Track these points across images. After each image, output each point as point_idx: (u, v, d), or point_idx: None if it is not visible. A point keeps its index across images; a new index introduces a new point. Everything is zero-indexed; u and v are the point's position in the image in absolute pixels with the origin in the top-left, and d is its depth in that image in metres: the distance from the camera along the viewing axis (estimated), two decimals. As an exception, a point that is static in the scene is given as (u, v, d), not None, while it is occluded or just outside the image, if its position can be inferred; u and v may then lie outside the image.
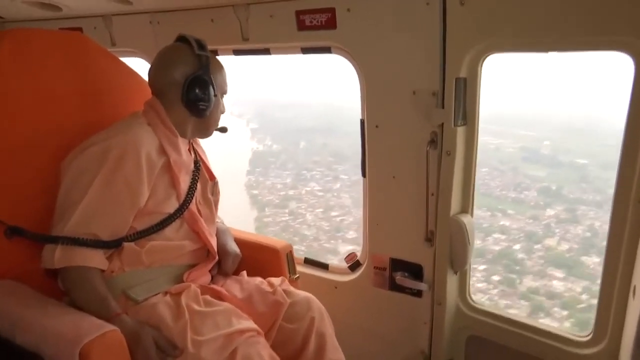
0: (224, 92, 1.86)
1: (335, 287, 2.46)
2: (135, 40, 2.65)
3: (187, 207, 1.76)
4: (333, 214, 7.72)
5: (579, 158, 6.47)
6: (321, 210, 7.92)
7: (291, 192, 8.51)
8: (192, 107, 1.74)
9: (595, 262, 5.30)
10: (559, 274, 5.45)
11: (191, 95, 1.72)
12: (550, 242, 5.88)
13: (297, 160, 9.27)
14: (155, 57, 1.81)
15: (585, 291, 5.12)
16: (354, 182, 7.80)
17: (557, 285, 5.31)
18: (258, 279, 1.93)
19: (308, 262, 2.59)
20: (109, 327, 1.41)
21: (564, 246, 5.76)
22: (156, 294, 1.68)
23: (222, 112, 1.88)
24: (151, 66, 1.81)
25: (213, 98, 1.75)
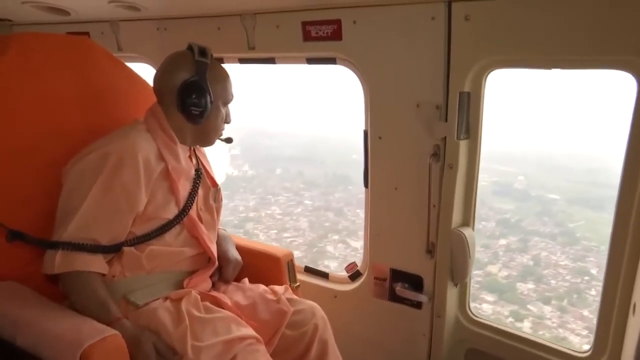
0: (227, 101, 1.85)
1: (335, 297, 2.46)
2: (142, 46, 2.67)
3: (186, 214, 1.77)
4: (286, 235, 7.92)
5: (550, 193, 6.66)
6: (275, 231, 8.10)
7: (251, 214, 8.69)
8: (186, 112, 1.74)
9: (529, 288, 5.48)
10: (490, 297, 5.60)
11: (185, 101, 1.72)
12: (492, 268, 6.06)
13: (266, 185, 9.40)
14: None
15: (511, 315, 5.27)
16: (317, 208, 8.07)
17: (486, 308, 5.45)
18: (261, 287, 1.93)
19: (308, 270, 2.60)
20: (110, 331, 1.41)
21: (504, 273, 5.93)
22: (156, 299, 1.68)
23: (227, 122, 1.88)
24: (155, 72, 1.83)
25: (209, 105, 1.74)
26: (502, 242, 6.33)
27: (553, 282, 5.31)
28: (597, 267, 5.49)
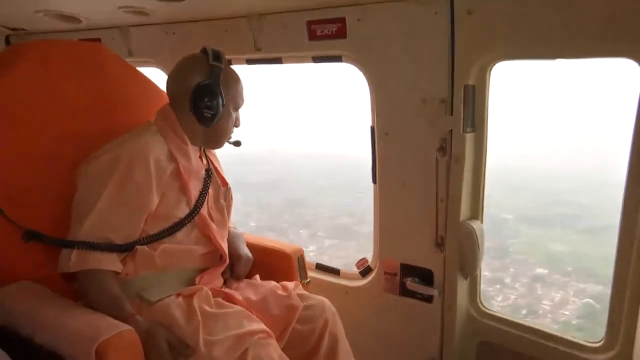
0: (237, 106, 1.88)
1: (346, 292, 2.48)
2: (152, 51, 2.72)
3: (197, 213, 1.80)
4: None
5: (505, 213, 6.79)
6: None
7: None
8: (198, 114, 1.77)
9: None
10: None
11: (198, 103, 1.76)
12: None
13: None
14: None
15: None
16: (260, 228, 8.20)
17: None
18: (272, 283, 1.96)
19: (319, 267, 2.62)
20: (125, 326, 1.46)
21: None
22: (169, 296, 1.72)
23: (237, 126, 1.91)
24: (169, 74, 1.87)
25: (220, 108, 1.78)
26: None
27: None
28: (511, 277, 5.73)
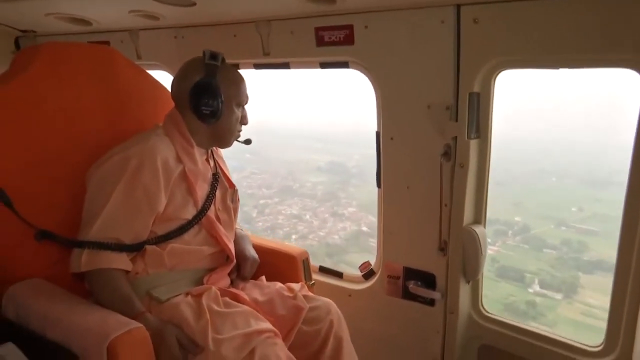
0: (241, 103, 1.90)
1: (349, 295, 2.50)
2: (160, 54, 2.75)
3: (204, 214, 1.83)
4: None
5: None
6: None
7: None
8: (198, 112, 1.80)
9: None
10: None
11: (197, 100, 1.79)
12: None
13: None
14: None
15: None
16: None
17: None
18: (278, 284, 1.98)
19: (323, 270, 2.65)
20: (135, 324, 1.48)
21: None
22: (178, 295, 1.75)
23: (244, 124, 1.93)
24: (173, 78, 1.91)
25: (220, 104, 1.80)
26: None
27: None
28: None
